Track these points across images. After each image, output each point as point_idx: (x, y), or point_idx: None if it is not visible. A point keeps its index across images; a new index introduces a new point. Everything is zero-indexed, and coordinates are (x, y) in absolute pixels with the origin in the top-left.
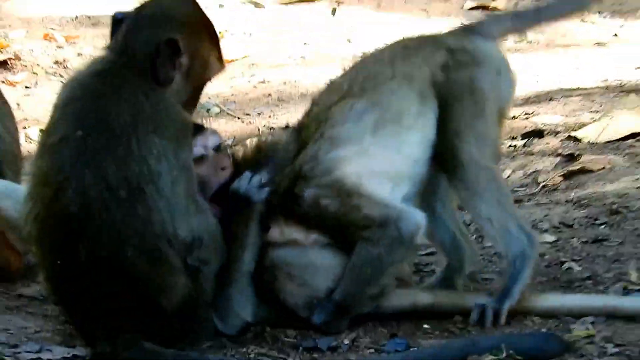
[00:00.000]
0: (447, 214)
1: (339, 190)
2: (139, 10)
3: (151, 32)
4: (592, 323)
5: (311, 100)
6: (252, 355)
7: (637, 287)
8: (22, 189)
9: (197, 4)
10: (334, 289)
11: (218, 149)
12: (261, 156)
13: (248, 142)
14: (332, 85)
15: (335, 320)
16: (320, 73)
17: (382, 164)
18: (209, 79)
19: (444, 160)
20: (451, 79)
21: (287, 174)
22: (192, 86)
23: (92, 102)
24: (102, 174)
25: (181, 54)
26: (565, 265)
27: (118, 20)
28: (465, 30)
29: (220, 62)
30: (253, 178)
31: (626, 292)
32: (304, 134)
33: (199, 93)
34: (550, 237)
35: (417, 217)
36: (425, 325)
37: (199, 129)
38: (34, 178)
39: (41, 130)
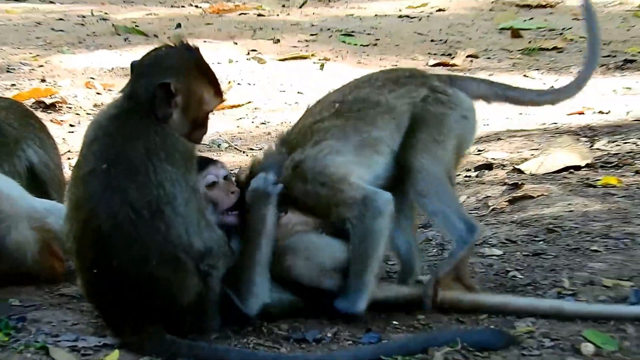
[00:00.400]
0: (407, 230)
1: (329, 178)
2: (142, 59)
3: (149, 78)
4: (533, 322)
5: (306, 111)
6: (251, 345)
7: (569, 292)
8: (64, 207)
9: (193, 51)
10: (337, 261)
11: (226, 177)
12: (258, 165)
13: (242, 166)
14: (326, 101)
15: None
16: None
17: (360, 171)
18: (208, 112)
19: (404, 170)
20: (425, 110)
21: (285, 169)
22: (192, 119)
23: (111, 140)
24: (127, 199)
25: (175, 95)
26: (510, 274)
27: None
28: (450, 79)
29: (218, 97)
30: (267, 177)
31: (560, 296)
32: (294, 140)
33: (202, 123)
34: (498, 251)
35: (387, 195)
36: (394, 322)
37: (211, 161)
38: (70, 203)
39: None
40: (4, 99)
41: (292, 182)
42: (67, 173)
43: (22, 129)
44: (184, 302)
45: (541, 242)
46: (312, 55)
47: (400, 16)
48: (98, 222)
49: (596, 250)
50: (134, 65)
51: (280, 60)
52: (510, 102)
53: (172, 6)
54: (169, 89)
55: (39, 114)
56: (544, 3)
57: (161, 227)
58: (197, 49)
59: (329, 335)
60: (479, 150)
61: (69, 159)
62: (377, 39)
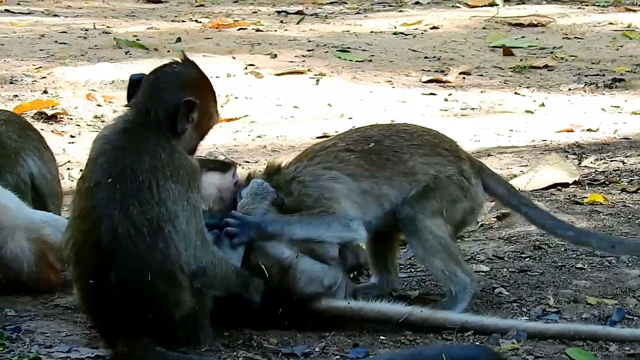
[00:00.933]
0: (391, 255)
1: (320, 194)
2: (155, 74)
3: (170, 94)
4: (517, 340)
5: (338, 136)
6: (241, 358)
7: (554, 310)
8: (62, 219)
9: (199, 69)
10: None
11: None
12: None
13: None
14: (365, 134)
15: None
16: (306, 130)
17: (352, 211)
18: (211, 128)
19: (407, 224)
20: (446, 185)
21: (287, 174)
22: (199, 135)
23: (118, 154)
24: (129, 215)
25: (195, 111)
26: (497, 291)
27: (135, 82)
28: (480, 169)
29: (218, 114)
30: (264, 182)
31: (545, 313)
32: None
33: (202, 139)
34: (485, 267)
35: (364, 233)
36: (382, 337)
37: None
38: (74, 212)
39: (81, 170)
40: (3, 112)
41: (285, 189)
42: (66, 184)
43: (21, 141)
44: (177, 316)
45: (528, 259)
46: (309, 70)
47: (395, 33)
48: (99, 235)
49: (581, 268)
50: (148, 81)
51: (277, 75)
52: (523, 216)
53: (172, 21)
54: (193, 105)
55: (41, 124)
56: (535, 22)
57: (160, 244)
58: (197, 65)
59: (317, 349)
60: None
61: (68, 169)
62: (372, 55)
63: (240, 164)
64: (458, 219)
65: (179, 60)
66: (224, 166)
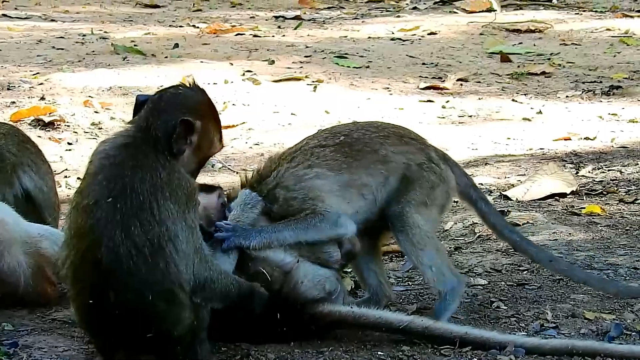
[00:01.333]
0: (377, 266)
1: (306, 194)
2: (160, 95)
3: (171, 114)
4: (515, 356)
5: (308, 136)
6: None
7: (552, 325)
8: (58, 232)
9: (206, 95)
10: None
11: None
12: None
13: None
14: (333, 131)
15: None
16: (303, 137)
17: (338, 205)
18: (212, 155)
19: (395, 221)
20: (420, 174)
21: (269, 182)
22: (198, 159)
23: (117, 170)
24: (130, 235)
25: (193, 133)
26: (495, 305)
27: (141, 102)
28: (444, 156)
29: (221, 143)
30: (252, 193)
31: (543, 328)
32: (285, 157)
33: (202, 165)
34: (482, 281)
35: (353, 226)
36: (380, 352)
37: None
38: (71, 230)
39: (78, 178)
40: (2, 125)
41: (270, 196)
42: (63, 192)
43: (19, 155)
44: (176, 334)
45: (525, 272)
46: (306, 77)
47: (392, 39)
48: (99, 254)
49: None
50: (152, 100)
51: (274, 81)
52: (476, 211)
53: (170, 26)
54: (191, 126)
55: (38, 131)
56: (533, 28)
57: (160, 263)
58: (205, 92)
59: None
60: None
61: (66, 177)
62: (369, 61)
63: (237, 172)
64: (440, 203)
65: (188, 84)
66: (209, 188)
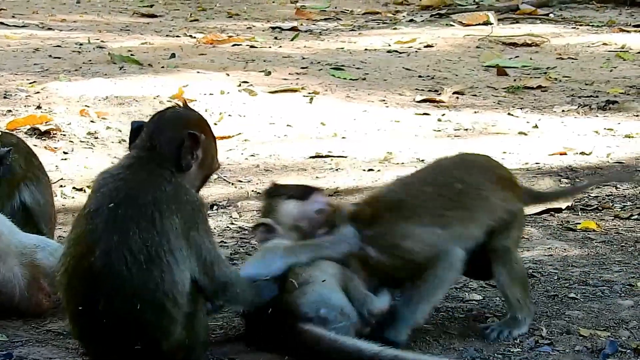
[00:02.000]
0: None
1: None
2: (159, 115)
3: (175, 130)
4: None
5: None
6: None
7: (547, 342)
8: (54, 243)
9: (199, 113)
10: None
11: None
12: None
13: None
14: (443, 175)
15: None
16: (299, 149)
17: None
18: (213, 172)
19: (499, 256)
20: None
21: (374, 230)
22: (202, 176)
23: (122, 184)
24: (126, 240)
25: (199, 147)
26: (490, 320)
27: (136, 129)
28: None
29: (218, 160)
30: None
31: (537, 345)
32: (383, 206)
33: (205, 182)
34: (477, 296)
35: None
36: None
37: (315, 189)
38: (70, 240)
39: (74, 188)
40: (11, 135)
41: (374, 243)
42: (59, 201)
43: (25, 169)
44: (166, 348)
45: None
46: (302, 88)
47: (389, 51)
48: (92, 257)
49: (574, 298)
50: (151, 121)
51: (270, 92)
52: None
53: (167, 35)
54: (197, 139)
55: (34, 140)
56: (529, 42)
57: (155, 272)
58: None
59: None
60: None
61: (61, 186)
62: (366, 74)
63: (232, 183)
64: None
65: (181, 105)
66: (304, 193)
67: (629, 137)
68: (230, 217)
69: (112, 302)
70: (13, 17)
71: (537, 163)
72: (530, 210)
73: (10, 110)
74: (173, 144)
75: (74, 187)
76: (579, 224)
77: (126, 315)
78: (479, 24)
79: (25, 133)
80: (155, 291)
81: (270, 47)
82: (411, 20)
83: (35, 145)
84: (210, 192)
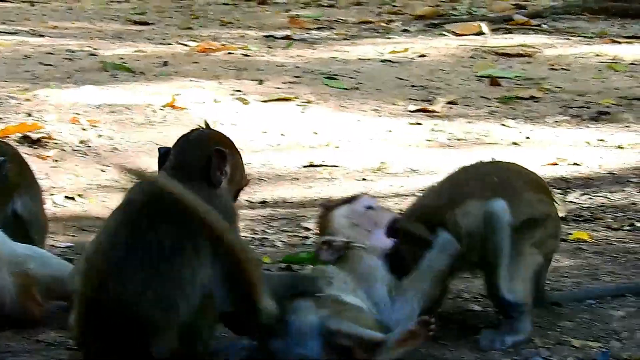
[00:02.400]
0: None
1: None
2: (185, 137)
3: (202, 148)
4: None
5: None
6: None
7: (539, 352)
8: (46, 253)
9: (223, 133)
10: None
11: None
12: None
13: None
14: (479, 171)
15: None
16: (292, 158)
17: None
18: (243, 188)
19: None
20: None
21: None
22: (232, 192)
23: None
24: (147, 236)
25: (226, 162)
26: (482, 331)
27: (163, 153)
28: None
29: (247, 176)
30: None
31: (529, 355)
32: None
33: (236, 198)
34: (472, 306)
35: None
36: None
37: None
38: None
39: (66, 197)
40: (8, 145)
41: None
42: (50, 210)
43: (21, 178)
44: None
45: None
46: (295, 97)
47: (382, 60)
48: (104, 259)
49: (566, 308)
50: (178, 144)
51: (263, 101)
52: None
53: (159, 43)
54: (224, 155)
55: (25, 148)
56: (522, 52)
57: (167, 282)
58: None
59: None
60: None
61: (52, 194)
62: (359, 83)
63: None
64: None
65: (204, 126)
66: (349, 199)
67: (620, 148)
68: None
69: (115, 296)
70: (3, 23)
71: None
72: None
73: (0, 118)
74: (201, 162)
75: (65, 196)
76: (571, 234)
77: (130, 312)
78: (472, 34)
79: (17, 141)
80: (163, 287)
81: (263, 55)
82: (405, 30)
83: (27, 153)
84: None
